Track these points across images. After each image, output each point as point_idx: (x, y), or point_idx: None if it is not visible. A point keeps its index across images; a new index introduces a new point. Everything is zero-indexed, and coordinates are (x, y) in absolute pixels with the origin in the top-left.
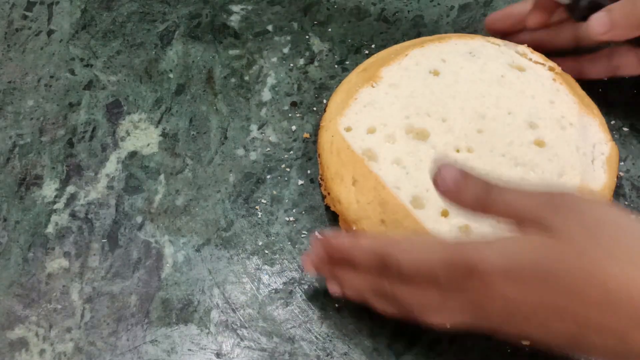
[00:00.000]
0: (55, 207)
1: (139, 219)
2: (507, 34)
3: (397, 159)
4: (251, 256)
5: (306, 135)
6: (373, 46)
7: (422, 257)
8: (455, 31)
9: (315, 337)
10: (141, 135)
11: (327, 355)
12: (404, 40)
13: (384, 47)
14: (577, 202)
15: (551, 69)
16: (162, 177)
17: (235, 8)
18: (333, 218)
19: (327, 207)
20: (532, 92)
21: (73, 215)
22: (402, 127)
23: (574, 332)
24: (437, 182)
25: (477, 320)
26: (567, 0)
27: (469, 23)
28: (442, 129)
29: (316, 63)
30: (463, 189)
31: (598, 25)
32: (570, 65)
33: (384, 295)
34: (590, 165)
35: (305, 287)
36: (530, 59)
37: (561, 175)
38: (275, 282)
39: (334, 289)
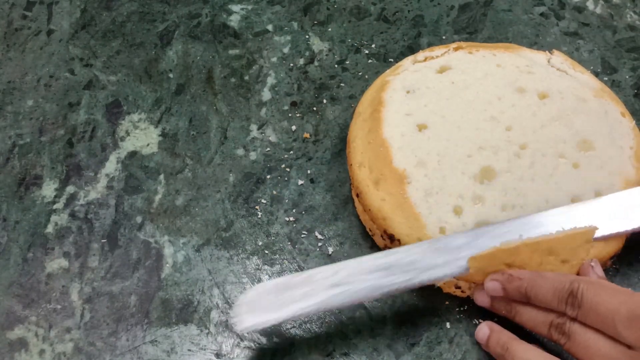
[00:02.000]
0: (54, 207)
1: (139, 219)
2: None
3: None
4: (251, 256)
5: (306, 135)
6: (373, 46)
7: (604, 298)
8: (455, 31)
9: (316, 337)
10: (141, 135)
11: (327, 355)
12: (404, 40)
13: (383, 47)
14: None
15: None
16: (161, 177)
17: (235, 8)
18: (334, 218)
19: (327, 207)
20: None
21: (73, 215)
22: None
23: None
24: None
25: None
26: None
27: (469, 23)
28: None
29: (316, 63)
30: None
31: None
32: None
33: (562, 332)
34: (625, 158)
35: None
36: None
37: (602, 168)
38: None
39: (482, 299)
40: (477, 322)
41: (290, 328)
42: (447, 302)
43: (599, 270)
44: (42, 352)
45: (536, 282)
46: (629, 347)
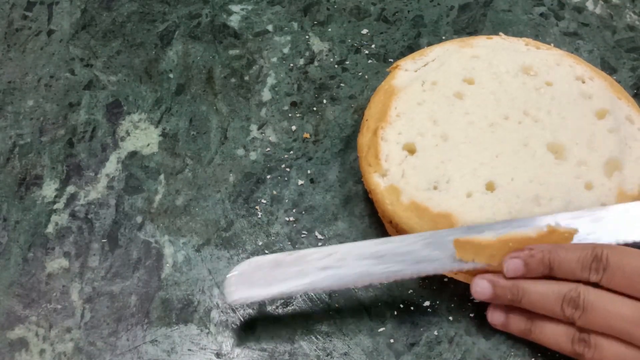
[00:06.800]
0: (55, 207)
1: (139, 219)
2: None
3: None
4: (251, 256)
5: (306, 135)
6: (373, 46)
7: (629, 259)
8: (455, 31)
9: (315, 337)
10: (141, 135)
11: (327, 355)
12: (403, 40)
13: (383, 47)
14: None
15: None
16: (162, 177)
17: (235, 8)
18: (334, 218)
19: (327, 207)
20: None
21: (73, 215)
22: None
23: None
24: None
25: None
26: None
27: (469, 23)
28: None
29: (316, 63)
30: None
31: None
32: None
33: (573, 302)
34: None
35: None
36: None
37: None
38: None
39: (496, 318)
40: (477, 322)
41: (290, 328)
42: (447, 302)
43: None
44: (42, 352)
45: (558, 252)
46: None
